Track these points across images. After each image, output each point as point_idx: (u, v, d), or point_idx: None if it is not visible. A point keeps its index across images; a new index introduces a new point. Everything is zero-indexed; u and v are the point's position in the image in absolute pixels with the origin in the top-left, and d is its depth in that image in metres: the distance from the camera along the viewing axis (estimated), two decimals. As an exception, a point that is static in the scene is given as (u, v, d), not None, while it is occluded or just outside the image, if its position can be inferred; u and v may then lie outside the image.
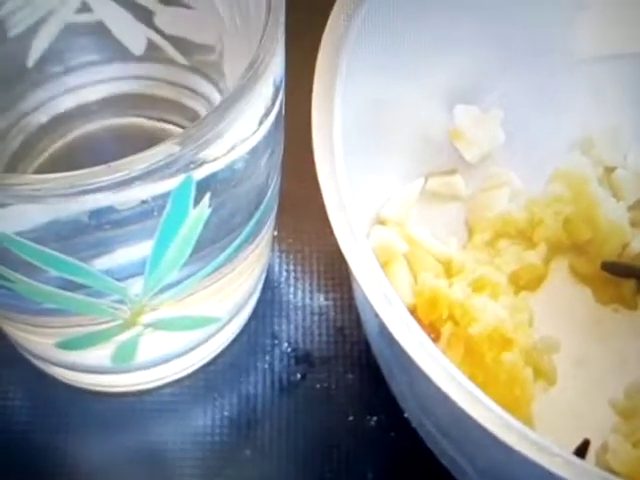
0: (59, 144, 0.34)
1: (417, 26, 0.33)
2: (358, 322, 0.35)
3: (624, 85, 0.38)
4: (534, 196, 0.36)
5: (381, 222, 0.34)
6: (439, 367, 0.24)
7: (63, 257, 0.25)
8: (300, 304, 0.36)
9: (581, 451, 0.32)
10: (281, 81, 0.27)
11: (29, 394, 0.34)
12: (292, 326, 0.36)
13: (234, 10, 0.30)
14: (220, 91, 0.32)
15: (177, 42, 0.32)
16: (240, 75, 0.25)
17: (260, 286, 0.36)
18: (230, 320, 0.33)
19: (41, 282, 0.26)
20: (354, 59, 0.29)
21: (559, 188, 0.36)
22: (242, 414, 0.34)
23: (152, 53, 0.32)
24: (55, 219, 0.24)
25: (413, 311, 0.33)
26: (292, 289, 0.37)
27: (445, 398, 0.23)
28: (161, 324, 0.30)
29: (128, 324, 0.29)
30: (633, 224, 0.35)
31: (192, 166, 0.24)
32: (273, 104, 0.27)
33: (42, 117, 0.33)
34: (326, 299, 0.36)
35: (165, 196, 0.24)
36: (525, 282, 0.35)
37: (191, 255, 0.27)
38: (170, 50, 0.32)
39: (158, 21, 0.32)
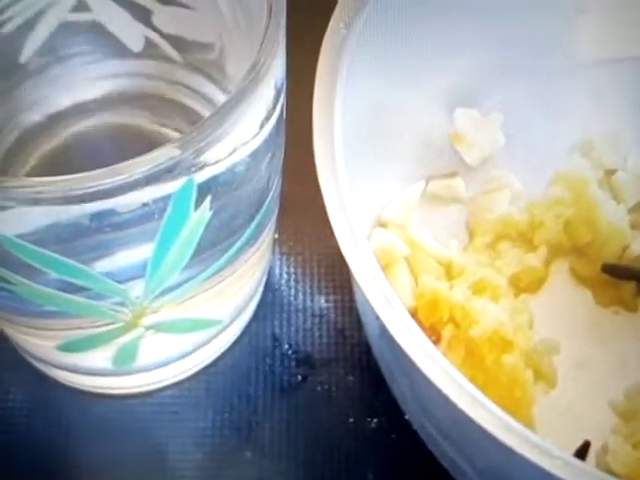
0: (54, 142, 0.33)
1: (418, 30, 0.33)
2: (359, 324, 0.35)
3: (624, 88, 0.38)
4: (534, 199, 0.36)
5: (382, 225, 0.34)
6: (440, 369, 0.24)
7: (64, 259, 0.25)
8: (301, 306, 0.36)
9: (581, 453, 0.32)
10: (282, 84, 0.27)
11: (30, 396, 0.34)
12: (293, 328, 0.36)
13: (236, 9, 0.30)
14: (225, 92, 0.32)
15: (175, 40, 0.32)
16: (242, 77, 0.25)
17: (261, 288, 0.36)
18: (231, 322, 0.33)
19: (42, 284, 0.26)
20: (355, 62, 0.29)
21: (559, 191, 0.36)
22: (243, 416, 0.34)
23: (150, 51, 0.32)
24: (56, 222, 0.24)
25: (414, 313, 0.33)
26: (293, 291, 0.37)
27: (446, 400, 0.23)
28: (162, 326, 0.30)
29: (129, 326, 0.29)
30: (633, 226, 0.35)
31: (193, 169, 0.24)
32: (274, 107, 0.27)
33: (37, 115, 0.33)
34: (327, 301, 0.36)
35: (166, 199, 0.24)
36: (525, 284, 0.35)
37: (192, 258, 0.27)
38: (168, 48, 0.32)
39: (156, 20, 0.32)
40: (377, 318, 0.25)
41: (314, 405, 0.34)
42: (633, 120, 0.38)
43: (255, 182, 0.28)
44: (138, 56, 0.33)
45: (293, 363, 0.35)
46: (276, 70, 0.26)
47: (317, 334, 0.36)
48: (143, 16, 0.32)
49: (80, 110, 0.33)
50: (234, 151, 0.25)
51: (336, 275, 0.37)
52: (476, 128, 0.37)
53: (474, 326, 0.31)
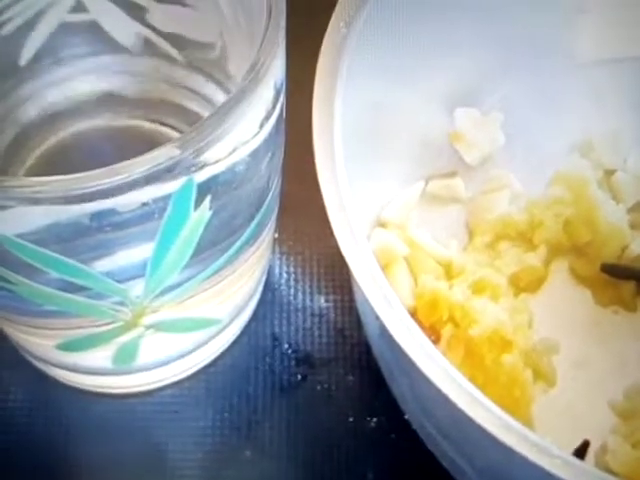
0: (53, 142, 0.33)
1: (417, 29, 0.33)
2: (358, 324, 0.35)
3: (624, 88, 0.38)
4: (534, 198, 0.36)
5: (382, 224, 0.34)
6: (439, 369, 0.24)
7: (64, 259, 0.25)
8: (300, 306, 0.36)
9: (580, 452, 0.32)
10: (282, 84, 0.27)
11: (30, 395, 0.34)
12: (292, 328, 0.36)
13: (237, 9, 0.30)
14: (226, 92, 0.32)
15: (175, 40, 0.32)
16: (241, 78, 0.25)
17: (261, 288, 0.36)
18: (231, 322, 0.33)
19: (42, 284, 0.26)
20: (355, 62, 0.29)
21: (559, 190, 0.36)
22: (242, 415, 0.34)
23: (148, 51, 0.32)
24: (56, 221, 0.24)
25: (413, 313, 0.33)
26: (292, 291, 0.37)
27: (445, 400, 0.23)
28: (162, 326, 0.30)
29: (129, 326, 0.29)
30: (632, 226, 0.35)
31: (193, 169, 0.24)
32: (274, 107, 0.27)
33: (35, 114, 0.33)
34: (326, 301, 0.36)
35: (166, 198, 0.24)
36: (525, 284, 0.35)
37: (192, 257, 0.27)
38: (168, 48, 0.32)
39: (154, 19, 0.32)
40: (377, 318, 0.25)
41: (314, 404, 0.34)
42: (633, 120, 0.38)
43: (255, 182, 0.28)
44: (138, 56, 0.33)
45: (293, 362, 0.35)
46: (276, 70, 0.26)
47: (317, 334, 0.36)
48: (140, 15, 0.32)
49: (79, 110, 0.33)
50: (234, 151, 0.25)
51: (336, 275, 0.37)
52: (476, 127, 0.37)
53: (473, 326, 0.31)
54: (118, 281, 0.26)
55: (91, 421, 0.34)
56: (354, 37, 0.29)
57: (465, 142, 0.36)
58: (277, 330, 0.36)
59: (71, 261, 0.25)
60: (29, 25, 0.31)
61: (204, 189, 0.25)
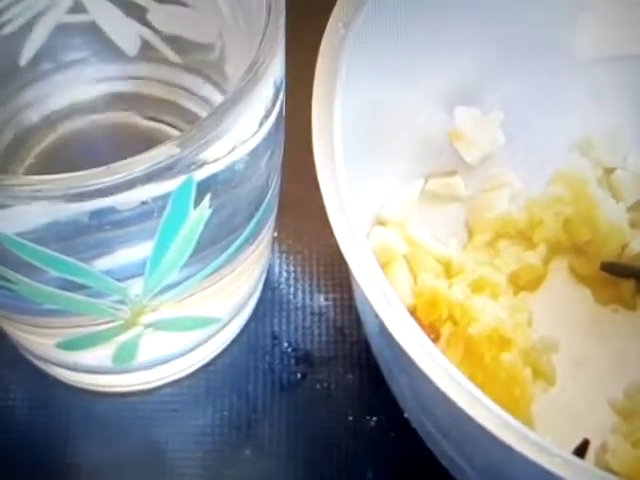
0: (52, 141, 0.33)
1: (417, 28, 0.33)
2: (358, 322, 0.35)
3: (624, 87, 0.38)
4: (534, 197, 0.36)
5: (381, 223, 0.34)
6: (439, 367, 0.24)
7: (63, 258, 0.25)
8: (300, 304, 0.36)
9: (580, 451, 0.32)
10: (281, 82, 0.27)
11: (30, 394, 0.34)
12: (292, 326, 0.36)
13: (236, 8, 0.30)
14: (224, 93, 0.32)
15: (173, 41, 0.32)
16: (240, 77, 0.25)
17: (260, 287, 0.36)
18: (230, 320, 0.34)
19: (42, 283, 0.26)
20: (354, 61, 0.29)
21: (559, 189, 0.36)
22: (242, 414, 0.34)
23: (147, 52, 0.32)
24: (55, 220, 0.24)
25: (413, 312, 0.33)
26: (292, 289, 0.37)
27: (445, 398, 0.23)
28: (161, 324, 0.30)
29: (128, 324, 0.29)
30: (632, 225, 0.36)
31: (192, 167, 0.24)
32: (273, 105, 0.27)
33: (35, 114, 0.33)
34: (326, 299, 0.36)
35: (165, 197, 0.24)
36: (525, 282, 0.35)
37: (191, 256, 0.27)
38: (166, 50, 0.32)
39: (154, 19, 0.32)
40: (376, 316, 0.25)
41: (313, 403, 0.34)
42: (633, 118, 0.38)
43: (254, 180, 0.28)
44: (137, 58, 0.33)
45: (292, 361, 0.35)
46: (275, 69, 0.26)
47: (316, 332, 0.36)
48: (139, 15, 0.32)
49: (78, 110, 0.33)
50: (233, 149, 0.25)
51: (335, 273, 0.37)
52: (476, 126, 0.37)
53: (473, 324, 0.31)
54: (118, 279, 0.26)
55: (91, 420, 0.34)
56: (353, 36, 0.29)
57: (465, 141, 0.36)
58: (277, 329, 0.36)
59: (71, 260, 0.25)
60: (29, 26, 0.31)
61: (204, 187, 0.25)
